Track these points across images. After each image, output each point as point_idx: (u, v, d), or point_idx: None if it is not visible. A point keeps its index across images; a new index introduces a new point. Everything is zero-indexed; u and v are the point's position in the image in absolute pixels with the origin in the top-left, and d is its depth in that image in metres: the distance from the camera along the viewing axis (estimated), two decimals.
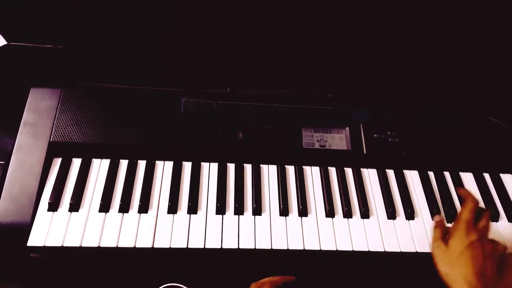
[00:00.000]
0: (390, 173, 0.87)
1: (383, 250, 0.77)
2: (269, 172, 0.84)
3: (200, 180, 0.82)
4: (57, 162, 0.80)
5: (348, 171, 0.87)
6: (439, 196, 0.85)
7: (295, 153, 0.86)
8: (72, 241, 0.72)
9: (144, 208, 0.77)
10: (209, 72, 0.96)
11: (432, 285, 0.77)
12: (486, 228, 0.72)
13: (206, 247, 0.74)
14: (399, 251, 0.77)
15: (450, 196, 0.85)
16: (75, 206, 0.75)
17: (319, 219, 0.79)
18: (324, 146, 0.87)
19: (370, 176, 0.87)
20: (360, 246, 0.77)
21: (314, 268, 0.78)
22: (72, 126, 0.81)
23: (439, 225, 0.75)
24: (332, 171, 0.86)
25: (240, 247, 0.74)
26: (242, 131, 0.85)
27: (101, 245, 0.72)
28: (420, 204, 0.84)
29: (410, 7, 1.00)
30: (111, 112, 0.83)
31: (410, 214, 0.81)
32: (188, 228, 0.75)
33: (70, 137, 0.80)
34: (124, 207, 0.76)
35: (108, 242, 0.72)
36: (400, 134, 0.88)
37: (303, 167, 0.86)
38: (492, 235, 0.72)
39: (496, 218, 0.83)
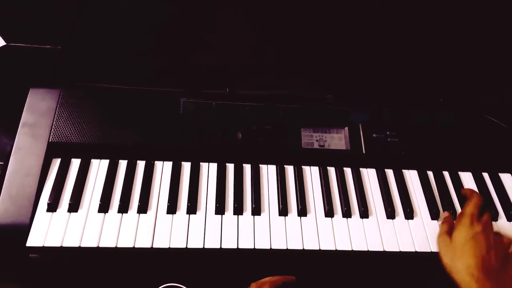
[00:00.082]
0: (389, 173, 0.87)
1: (382, 250, 0.77)
2: (268, 172, 0.84)
3: (199, 180, 0.82)
4: (56, 163, 0.80)
5: (347, 171, 0.87)
6: (438, 196, 0.85)
7: (294, 153, 0.86)
8: (71, 242, 0.72)
9: (143, 208, 0.77)
10: (209, 72, 0.96)
11: (432, 285, 0.77)
12: (490, 221, 0.73)
13: (205, 247, 0.73)
14: (398, 250, 0.77)
15: (449, 196, 0.85)
16: (74, 206, 0.75)
17: (319, 219, 0.79)
18: (323, 146, 0.87)
19: (369, 176, 0.87)
20: (359, 245, 0.77)
21: (313, 268, 0.78)
22: (71, 127, 0.81)
23: (446, 221, 0.76)
24: (331, 171, 0.86)
25: (240, 247, 0.74)
26: (241, 131, 0.85)
27: (100, 245, 0.72)
28: (419, 204, 0.84)
29: (410, 7, 0.99)
30: (110, 113, 0.83)
31: (409, 213, 0.81)
32: (188, 228, 0.75)
33: (69, 138, 0.80)
34: (123, 208, 0.76)
35: (107, 242, 0.72)
36: (399, 134, 0.88)
37: (302, 167, 0.86)
38: None
39: (495, 217, 0.83)
